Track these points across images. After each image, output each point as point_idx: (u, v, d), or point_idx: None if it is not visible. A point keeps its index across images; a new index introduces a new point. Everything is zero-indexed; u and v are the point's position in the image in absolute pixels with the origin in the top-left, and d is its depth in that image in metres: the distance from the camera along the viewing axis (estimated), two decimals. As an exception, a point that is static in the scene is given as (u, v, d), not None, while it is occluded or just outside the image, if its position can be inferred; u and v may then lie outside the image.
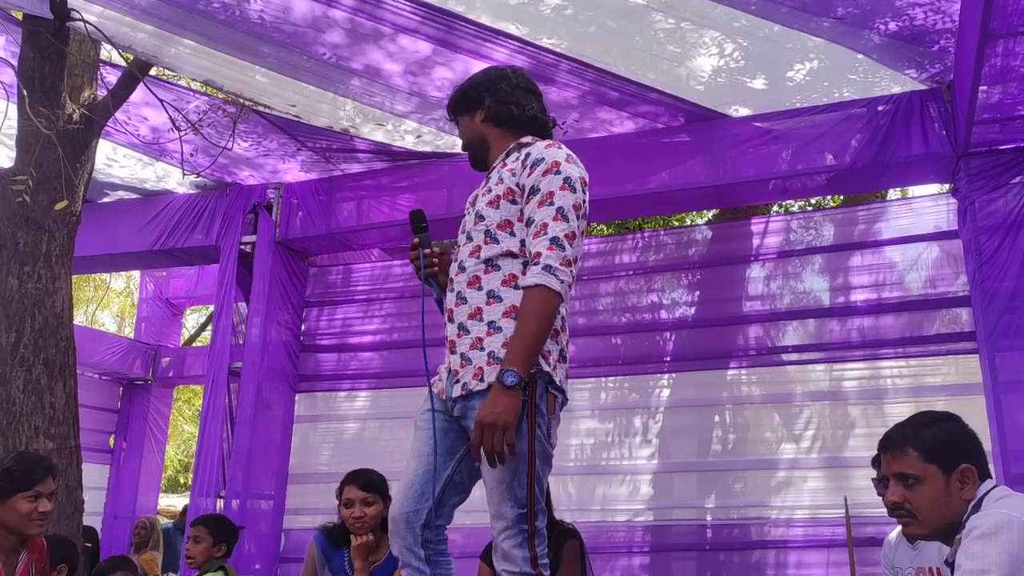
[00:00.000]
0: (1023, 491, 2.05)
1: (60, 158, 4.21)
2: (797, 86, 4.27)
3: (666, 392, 5.21)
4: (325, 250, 5.81)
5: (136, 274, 11.92)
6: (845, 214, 5.13)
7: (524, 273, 2.28)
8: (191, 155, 5.00)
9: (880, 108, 4.22)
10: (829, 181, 4.41)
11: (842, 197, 7.16)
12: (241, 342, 5.47)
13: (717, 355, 5.05)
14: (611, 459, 5.15)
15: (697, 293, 5.26)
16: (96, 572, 4.21)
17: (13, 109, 4.50)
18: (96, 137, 4.58)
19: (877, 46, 3.83)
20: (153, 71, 4.93)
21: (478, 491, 2.42)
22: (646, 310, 5.29)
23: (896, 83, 4.19)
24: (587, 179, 2.37)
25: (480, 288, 2.32)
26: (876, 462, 3.19)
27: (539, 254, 2.23)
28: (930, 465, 2.01)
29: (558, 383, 2.28)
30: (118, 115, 4.73)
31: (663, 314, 5.25)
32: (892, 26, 3.63)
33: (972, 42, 3.08)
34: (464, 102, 2.59)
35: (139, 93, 4.73)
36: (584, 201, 2.34)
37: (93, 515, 7.19)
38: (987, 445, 2.18)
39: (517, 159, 2.41)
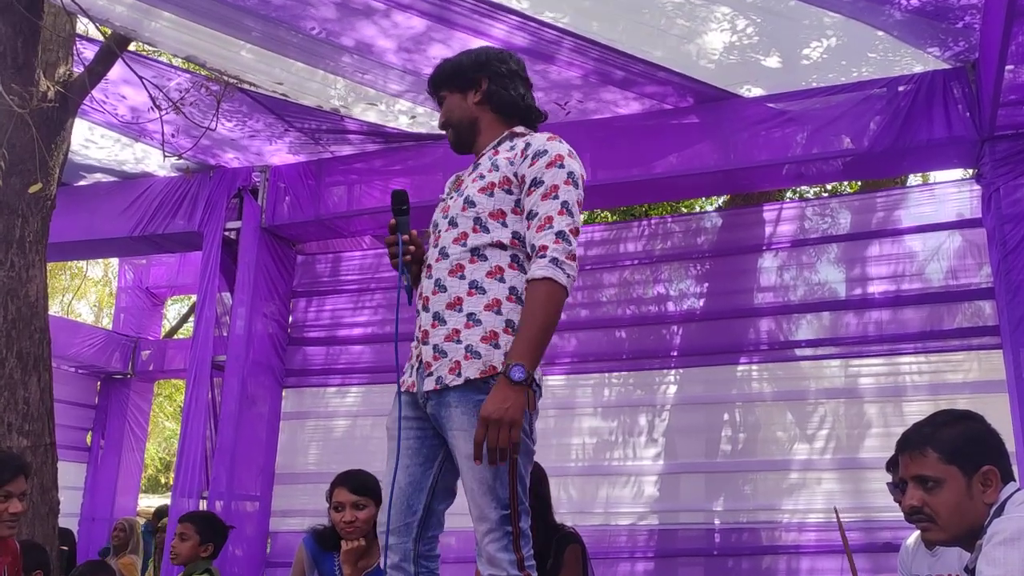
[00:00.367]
0: (1048, 494, 2.05)
1: (34, 138, 4.19)
2: (813, 65, 4.26)
3: (673, 389, 5.20)
4: (314, 237, 5.80)
5: (114, 262, 11.93)
6: (863, 201, 5.12)
7: (511, 266, 2.33)
8: (172, 136, 4.99)
9: (901, 89, 4.20)
10: (846, 166, 4.40)
11: (860, 183, 7.16)
12: (225, 334, 5.47)
13: (726, 350, 5.05)
14: (614, 459, 5.15)
15: (706, 284, 5.25)
16: (72, 576, 4.22)
17: (-16, 87, 4.49)
18: (72, 116, 4.57)
19: (898, 22, 3.82)
20: (132, 46, 4.91)
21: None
22: (652, 302, 5.28)
23: (918, 62, 4.18)
24: (585, 176, 2.44)
25: (463, 277, 2.33)
26: (891, 465, 3.20)
27: (545, 247, 2.26)
28: (951, 467, 2.01)
29: (536, 378, 2.29)
30: (95, 93, 4.71)
31: (670, 306, 5.24)
32: (914, 1, 3.62)
33: (998, 19, 3.07)
34: (457, 78, 2.57)
35: (117, 70, 4.71)
36: (583, 198, 2.40)
37: (69, 516, 7.21)
38: (1010, 445, 2.18)
39: (512, 148, 2.44)
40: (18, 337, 4.12)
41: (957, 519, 2.00)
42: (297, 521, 5.38)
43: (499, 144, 2.50)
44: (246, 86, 4.78)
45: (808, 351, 4.93)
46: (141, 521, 7.75)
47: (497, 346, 2.27)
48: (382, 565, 2.41)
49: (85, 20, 4.45)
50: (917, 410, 4.49)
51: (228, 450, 5.16)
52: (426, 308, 2.38)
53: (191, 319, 11.20)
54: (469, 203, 2.39)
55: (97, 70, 4.57)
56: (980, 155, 4.13)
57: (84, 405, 8.27)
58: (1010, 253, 3.91)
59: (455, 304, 2.32)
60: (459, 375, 2.26)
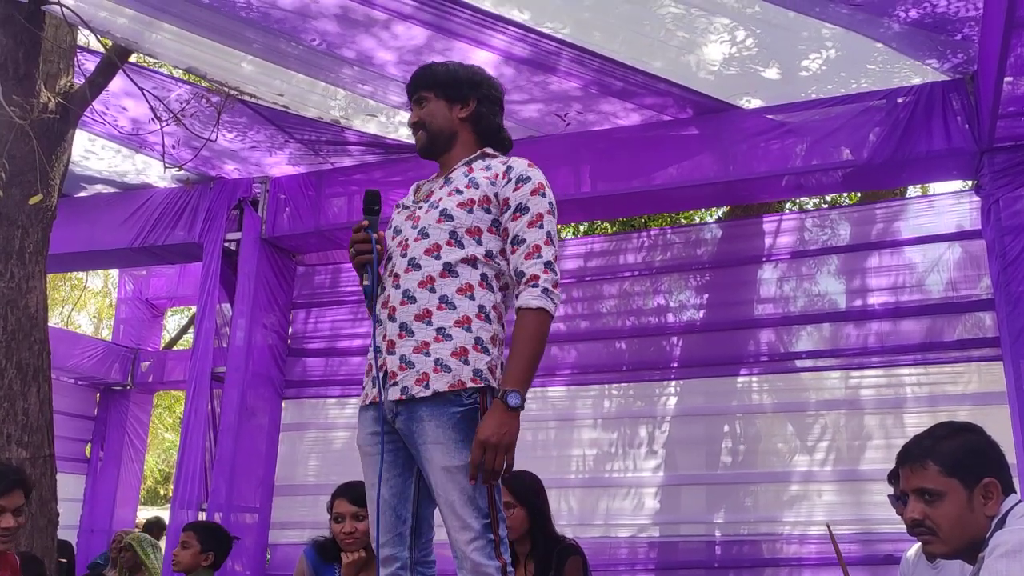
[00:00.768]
0: (1050, 505, 2.04)
1: (34, 149, 4.20)
2: (812, 76, 4.27)
3: (673, 400, 5.19)
4: (314, 248, 5.80)
5: (114, 273, 11.94)
6: (862, 212, 5.12)
7: (481, 285, 2.37)
8: (173, 147, 5.00)
9: (900, 100, 4.21)
10: (846, 177, 4.40)
11: (859, 194, 7.17)
12: (225, 345, 5.46)
13: (727, 361, 5.04)
14: (614, 471, 5.14)
15: (706, 295, 5.25)
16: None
17: (-15, 98, 4.50)
18: (73, 127, 4.58)
19: (897, 35, 3.83)
20: (133, 58, 4.93)
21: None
22: (652, 313, 5.28)
23: (917, 74, 4.19)
24: None
25: (433, 291, 2.36)
26: (892, 477, 3.19)
27: (537, 277, 2.33)
28: (951, 479, 2.00)
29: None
30: (96, 104, 4.72)
31: (670, 317, 5.24)
32: (913, 13, 3.63)
33: (997, 31, 3.08)
34: (449, 88, 2.58)
35: (118, 81, 4.72)
36: None
37: (68, 528, 7.18)
38: (1011, 457, 2.18)
39: (489, 168, 2.49)
40: (18, 348, 4.12)
41: (959, 532, 1.99)
42: (296, 533, 5.37)
43: (471, 161, 2.54)
44: (247, 98, 4.79)
45: (808, 363, 4.92)
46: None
47: (467, 362, 2.31)
48: None
49: (86, 32, 4.46)
50: (917, 422, 4.48)
51: (227, 462, 5.15)
52: (392, 318, 2.38)
53: (191, 330, 11.20)
54: (446, 216, 2.41)
55: (98, 81, 4.58)
56: (979, 167, 4.13)
57: (83, 416, 8.25)
58: (1010, 265, 3.91)
59: (424, 316, 2.34)
60: (427, 387, 2.29)
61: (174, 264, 7.58)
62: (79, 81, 4.67)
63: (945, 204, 4.85)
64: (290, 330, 5.86)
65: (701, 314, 5.22)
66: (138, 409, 8.46)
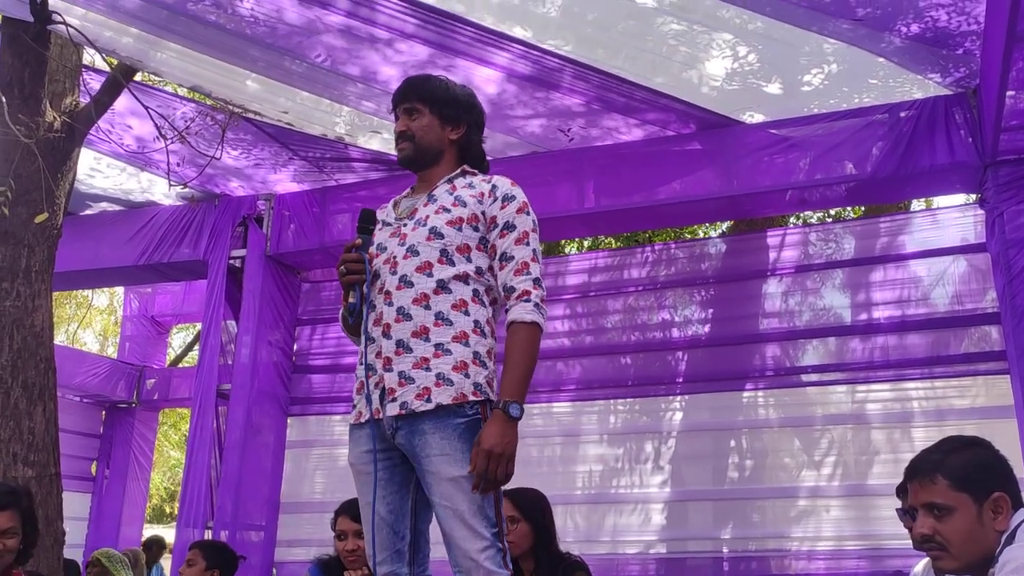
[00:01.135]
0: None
1: (40, 168, 4.22)
2: (815, 91, 4.27)
3: (678, 415, 5.18)
4: (319, 265, 5.81)
5: (120, 291, 11.95)
6: (866, 226, 5.11)
7: (474, 300, 2.41)
8: (178, 165, 5.02)
9: (902, 114, 4.21)
10: (849, 191, 4.40)
11: (863, 208, 7.16)
12: (230, 363, 5.46)
13: (732, 376, 5.03)
14: (620, 487, 5.12)
15: (711, 310, 5.24)
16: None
17: (-9, 117, 4.52)
18: (78, 146, 4.60)
19: (898, 49, 3.84)
20: (138, 76, 4.95)
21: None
22: (657, 328, 5.27)
23: (919, 88, 4.19)
24: None
25: (428, 307, 2.38)
26: (901, 491, 3.17)
27: (527, 292, 2.38)
28: (961, 494, 1.99)
29: None
30: (101, 123, 4.75)
31: (675, 332, 5.23)
32: (914, 28, 3.63)
33: (998, 45, 3.08)
34: (446, 106, 2.59)
35: (123, 100, 4.75)
36: None
37: (73, 547, 7.17)
38: (1019, 471, 2.16)
39: (472, 186, 2.52)
40: (23, 367, 4.12)
41: (969, 547, 1.98)
42: (302, 551, 5.34)
43: (453, 179, 2.57)
44: (251, 115, 4.80)
45: (814, 377, 4.91)
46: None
47: (467, 376, 2.34)
48: None
49: (92, 51, 4.49)
50: (924, 436, 4.46)
51: (233, 479, 5.14)
52: (387, 335, 2.39)
53: (196, 347, 11.21)
54: (436, 234, 2.43)
55: (103, 100, 4.61)
56: (983, 180, 4.13)
57: (89, 435, 8.25)
58: (1015, 278, 3.90)
59: (422, 333, 2.36)
60: (428, 400, 2.30)
61: (179, 281, 7.60)
62: (84, 100, 4.70)
63: (949, 217, 4.84)
64: (295, 347, 5.86)
65: (706, 329, 5.20)
66: (143, 427, 8.46)
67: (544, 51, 3.98)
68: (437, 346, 2.34)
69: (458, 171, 2.59)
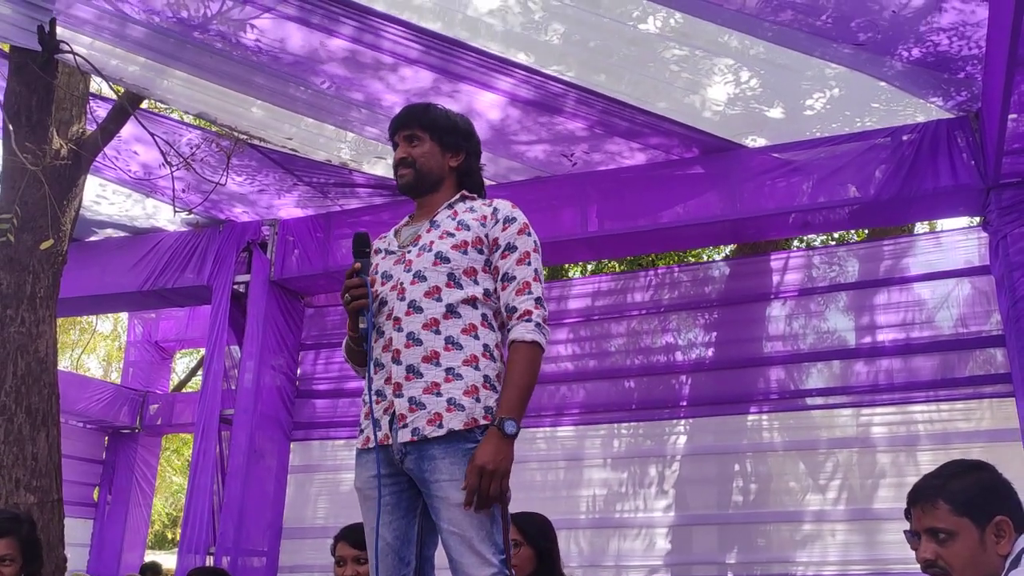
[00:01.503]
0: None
1: (46, 195, 4.25)
2: (817, 115, 4.30)
3: (683, 439, 5.17)
4: (322, 290, 5.83)
5: (124, 316, 11.99)
6: (870, 249, 5.13)
7: (483, 324, 2.42)
8: (183, 191, 5.05)
9: (905, 138, 4.24)
10: (852, 214, 4.41)
11: (866, 231, 7.17)
12: (233, 388, 5.46)
13: (736, 399, 5.02)
14: (625, 511, 5.10)
15: (714, 333, 5.25)
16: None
17: (-2, 144, 4.57)
18: (84, 173, 4.63)
19: (900, 73, 3.86)
20: (144, 104, 5.00)
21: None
22: (660, 351, 5.27)
23: (921, 112, 4.22)
24: None
25: (438, 332, 2.38)
26: (909, 513, 3.17)
27: (529, 312, 2.41)
28: (963, 519, 1.99)
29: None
30: (107, 150, 4.79)
31: (679, 356, 5.23)
32: (916, 52, 3.66)
33: (1000, 69, 3.10)
34: (447, 134, 2.62)
35: (129, 127, 4.79)
36: None
37: (75, 574, 7.14)
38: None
39: (473, 210, 2.55)
40: (27, 393, 4.13)
41: (972, 571, 1.98)
42: (305, 577, 5.33)
43: (453, 204, 2.59)
44: (256, 141, 4.84)
45: (819, 400, 4.90)
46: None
47: (478, 400, 2.34)
48: None
49: (99, 79, 4.54)
50: (930, 459, 4.44)
51: (235, 505, 5.13)
52: (397, 360, 2.39)
53: (200, 372, 11.22)
54: (442, 259, 2.44)
55: (110, 128, 4.65)
56: (986, 203, 4.14)
57: (92, 460, 8.24)
58: (1019, 300, 3.90)
59: (432, 358, 2.36)
60: (440, 426, 2.30)
61: (183, 307, 7.61)
62: (91, 127, 4.74)
63: (953, 240, 4.85)
64: (298, 372, 5.87)
65: (710, 352, 5.21)
66: (146, 452, 8.45)
67: (547, 76, 4.01)
68: (448, 371, 2.35)
69: (457, 196, 2.62)
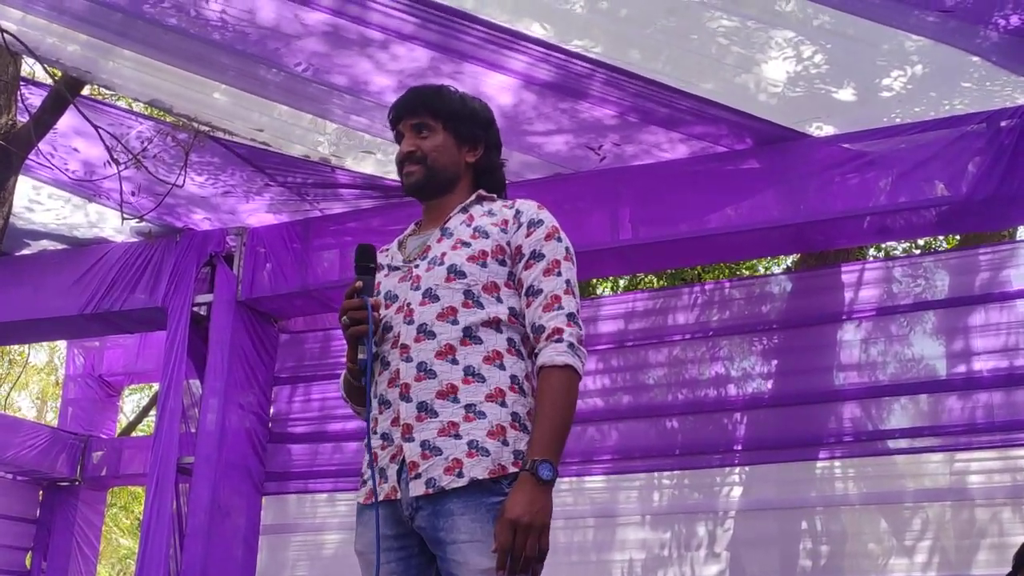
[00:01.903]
0: None
1: (-32, 200, 4.28)
2: (895, 97, 4.29)
3: (737, 491, 5.16)
4: (300, 312, 5.84)
5: (62, 346, 12.04)
6: (963, 259, 5.12)
7: (510, 351, 2.39)
8: (132, 194, 5.08)
9: (1003, 124, 4.22)
10: (940, 217, 4.40)
11: (958, 237, 7.15)
12: (193, 431, 5.47)
13: (802, 442, 5.01)
14: (668, 579, 5.08)
15: (774, 362, 5.23)
16: None
17: (-88, 140, 4.61)
18: (15, 174, 4.67)
19: (996, 46, 3.85)
20: (86, 90, 5.03)
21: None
22: (709, 384, 5.26)
23: (1022, 92, 4.20)
24: None
25: (455, 361, 2.35)
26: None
27: (560, 330, 2.36)
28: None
29: None
30: (42, 146, 4.82)
31: (731, 389, 5.22)
32: (1014, 20, 3.65)
33: (1118, 39, 3.09)
34: (463, 123, 2.60)
35: (69, 118, 4.83)
36: None
37: (3, 655, 7.14)
38: None
39: (492, 213, 2.53)
40: (-54, 437, 4.15)
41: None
42: (280, 659, 5.33)
43: (468, 207, 2.57)
44: (219, 134, 4.87)
45: (903, 443, 4.88)
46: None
47: (505, 443, 2.30)
48: None
49: (31, 61, 4.57)
50: (1040, 514, 4.42)
51: (196, 571, 5.13)
52: (406, 397, 2.37)
53: (152, 412, 11.25)
54: (457, 273, 2.41)
55: (45, 119, 4.68)
56: (1105, 201, 4.13)
57: (23, 519, 8.24)
58: None
59: (448, 392, 2.33)
60: (460, 475, 2.26)
61: (133, 334, 7.63)
62: (23, 119, 4.77)
63: (1064, 247, 4.84)
64: (271, 411, 5.88)
65: (769, 385, 5.19)
66: (89, 509, 8.44)
67: (569, 53, 4.02)
68: (467, 407, 2.31)
69: (473, 197, 2.60)
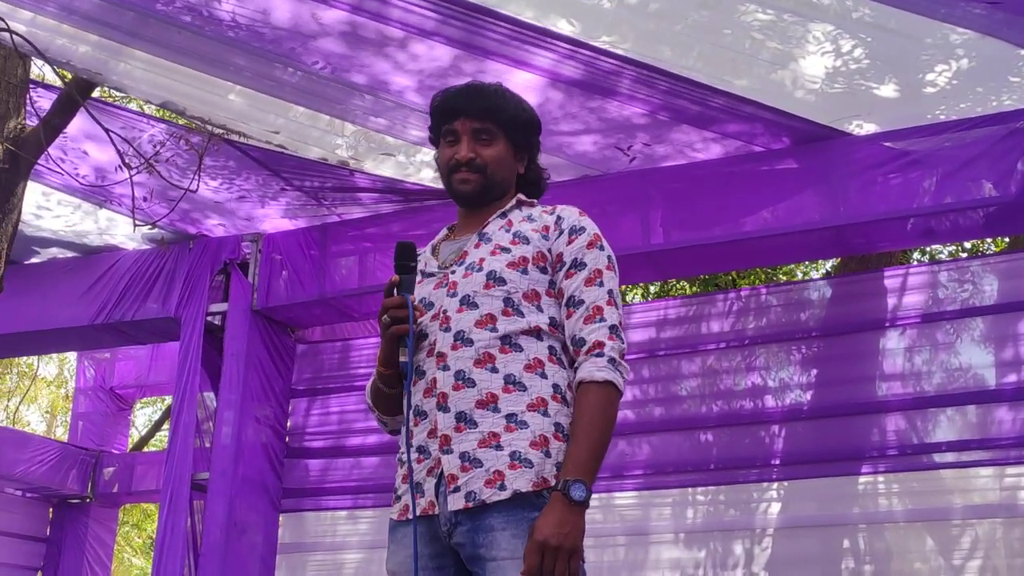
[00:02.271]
0: None
1: (-24, 207, 4.32)
2: (940, 93, 4.27)
3: (775, 507, 5.14)
4: (318, 321, 5.86)
5: (72, 357, 12.13)
6: (1012, 263, 5.09)
7: (551, 360, 2.40)
8: (144, 200, 5.10)
9: (1055, 120, 4.20)
10: (988, 219, 4.38)
11: (1007, 240, 7.10)
12: (208, 445, 5.50)
13: (844, 456, 4.98)
14: (703, 599, 5.07)
15: (814, 371, 5.21)
16: None
17: (-82, 145, 4.65)
18: (24, 179, 4.70)
19: (1047, 38, 3.83)
20: (97, 93, 5.07)
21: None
22: (745, 395, 5.24)
23: (1075, 86, 4.19)
24: None
25: (495, 370, 2.36)
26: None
27: (601, 344, 2.36)
28: None
29: None
30: (52, 150, 4.85)
31: (769, 401, 5.20)
32: (1066, 10, 3.64)
33: None
34: (520, 132, 2.60)
35: (79, 121, 4.86)
36: None
37: None
38: None
39: (533, 219, 2.55)
40: (-47, 452, 4.19)
41: None
42: None
43: (507, 213, 2.58)
44: (234, 137, 4.89)
45: (950, 456, 4.86)
46: None
47: (548, 454, 2.30)
48: None
49: (41, 63, 4.61)
50: (1097, 531, 4.38)
51: (211, 592, 5.15)
52: (444, 407, 2.36)
53: (165, 427, 11.30)
54: (496, 280, 2.42)
55: (54, 122, 4.72)
56: None
57: (32, 538, 8.29)
58: None
59: (488, 402, 2.33)
60: (502, 488, 2.26)
61: (145, 344, 7.68)
62: (32, 123, 4.81)
63: (1121, 250, 4.80)
64: (288, 424, 5.89)
65: (808, 396, 5.17)
66: (100, 527, 8.49)
67: (596, 50, 4.03)
68: (508, 417, 2.31)
69: (512, 202, 2.60)
